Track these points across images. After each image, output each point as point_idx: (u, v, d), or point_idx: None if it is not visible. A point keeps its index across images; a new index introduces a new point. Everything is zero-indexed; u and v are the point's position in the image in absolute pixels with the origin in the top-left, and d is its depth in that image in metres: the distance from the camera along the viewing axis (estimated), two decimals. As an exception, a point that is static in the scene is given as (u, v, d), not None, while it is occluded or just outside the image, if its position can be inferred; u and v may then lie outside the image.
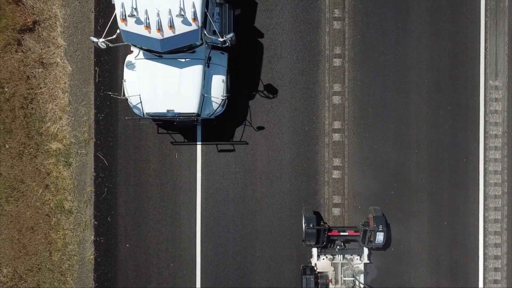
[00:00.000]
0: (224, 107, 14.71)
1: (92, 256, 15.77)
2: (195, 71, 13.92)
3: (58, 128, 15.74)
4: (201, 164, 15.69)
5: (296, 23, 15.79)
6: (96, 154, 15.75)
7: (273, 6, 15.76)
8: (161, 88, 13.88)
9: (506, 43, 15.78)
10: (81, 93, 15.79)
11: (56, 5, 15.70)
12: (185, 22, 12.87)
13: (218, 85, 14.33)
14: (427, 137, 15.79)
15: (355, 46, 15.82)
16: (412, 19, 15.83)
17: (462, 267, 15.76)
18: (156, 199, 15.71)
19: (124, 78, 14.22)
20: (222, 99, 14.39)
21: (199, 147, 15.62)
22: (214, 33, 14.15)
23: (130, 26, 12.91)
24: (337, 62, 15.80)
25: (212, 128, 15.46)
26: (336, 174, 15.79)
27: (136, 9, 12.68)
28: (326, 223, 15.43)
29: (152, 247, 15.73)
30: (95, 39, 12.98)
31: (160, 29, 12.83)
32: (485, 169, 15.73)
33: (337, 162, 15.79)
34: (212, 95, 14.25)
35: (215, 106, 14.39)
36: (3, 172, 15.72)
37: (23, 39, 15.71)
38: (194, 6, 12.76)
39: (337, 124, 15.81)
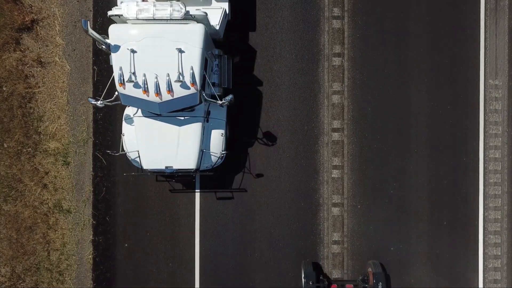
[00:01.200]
0: (223, 159, 14.67)
1: (90, 256, 15.73)
2: (194, 129, 13.89)
3: (56, 128, 15.70)
4: (200, 164, 15.68)
5: (295, 21, 15.75)
6: (94, 153, 15.71)
7: (272, 4, 15.72)
8: (160, 146, 13.83)
9: (506, 42, 15.75)
10: (79, 92, 15.75)
11: (55, 3, 15.66)
12: (184, 86, 12.85)
13: (218, 139, 14.31)
14: (426, 136, 15.75)
15: (354, 45, 15.78)
16: (411, 18, 15.79)
17: (461, 267, 15.73)
18: (155, 199, 15.66)
19: (123, 132, 14.23)
20: (222, 155, 14.39)
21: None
22: (213, 84, 14.22)
23: (128, 90, 12.91)
24: (336, 61, 15.76)
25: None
26: (335, 173, 15.75)
27: (134, 73, 12.68)
28: (325, 278, 15.27)
29: (150, 247, 15.68)
30: (93, 101, 13.05)
31: (158, 93, 12.83)
32: (485, 168, 15.69)
33: (336, 161, 15.75)
34: (211, 150, 14.23)
35: (214, 159, 14.36)
36: (1, 172, 15.68)
37: (21, 38, 15.67)
38: (192, 69, 12.73)
39: (336, 124, 15.77)
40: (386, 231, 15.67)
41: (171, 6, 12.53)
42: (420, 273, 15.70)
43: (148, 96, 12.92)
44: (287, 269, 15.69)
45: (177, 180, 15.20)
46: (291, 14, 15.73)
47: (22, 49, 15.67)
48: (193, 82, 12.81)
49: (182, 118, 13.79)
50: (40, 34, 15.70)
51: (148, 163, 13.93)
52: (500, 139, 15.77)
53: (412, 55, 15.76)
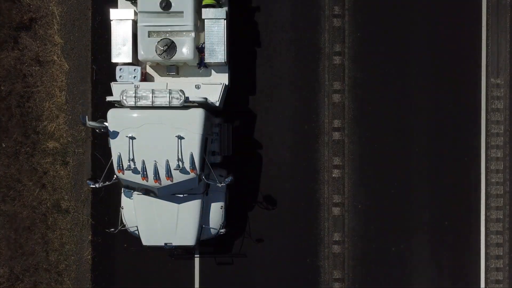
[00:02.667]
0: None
1: (89, 256, 15.68)
2: (193, 206, 13.80)
3: (55, 127, 15.65)
4: (200, 163, 15.59)
5: (295, 20, 15.67)
6: (93, 153, 15.64)
7: (272, 3, 15.64)
8: (159, 222, 13.77)
9: (507, 40, 15.68)
10: (78, 91, 15.69)
11: (53, 2, 15.60)
12: (183, 171, 12.84)
13: (217, 213, 14.21)
14: (427, 135, 15.67)
15: (355, 44, 15.70)
16: (412, 17, 15.72)
17: (463, 267, 15.65)
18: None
19: (122, 205, 14.20)
20: (221, 232, 14.31)
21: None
22: (213, 153, 14.24)
23: (127, 176, 12.96)
24: (337, 59, 15.68)
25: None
26: (336, 173, 15.67)
27: (133, 159, 12.71)
28: None
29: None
30: (92, 184, 13.08)
31: (157, 179, 12.85)
32: (486, 167, 15.62)
33: (337, 161, 15.67)
34: (210, 225, 14.15)
35: (213, 232, 14.30)
36: (-1, 171, 15.69)
37: (20, 37, 15.61)
38: (192, 156, 12.70)
39: (337, 123, 15.70)
40: (387, 231, 15.59)
41: (170, 93, 12.55)
42: (422, 273, 15.62)
43: (147, 181, 12.95)
44: (287, 268, 15.61)
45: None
46: (291, 12, 15.66)
47: (20, 48, 15.61)
48: (193, 168, 12.79)
49: (181, 195, 13.73)
50: (39, 33, 15.64)
51: (147, 240, 13.92)
52: (502, 138, 15.70)
53: (413, 53, 15.69)
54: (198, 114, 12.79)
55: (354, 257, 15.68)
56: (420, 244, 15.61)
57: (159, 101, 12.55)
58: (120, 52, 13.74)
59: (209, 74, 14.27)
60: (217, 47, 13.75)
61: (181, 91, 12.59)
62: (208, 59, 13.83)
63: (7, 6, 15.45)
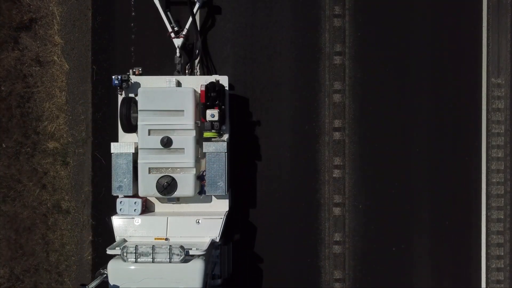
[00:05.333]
0: None
1: (90, 257, 15.67)
2: None
3: (55, 127, 15.65)
4: (200, 163, 15.57)
5: (296, 20, 15.66)
6: (94, 153, 15.64)
7: (273, 3, 15.63)
8: None
9: (508, 40, 15.66)
10: (78, 91, 15.69)
11: (53, 2, 15.60)
12: None
13: None
14: (428, 135, 15.66)
15: (355, 44, 15.69)
16: (413, 16, 15.70)
17: (464, 267, 15.63)
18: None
19: None
20: None
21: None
22: (213, 277, 14.10)
23: None
24: (337, 59, 15.66)
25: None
26: (336, 173, 15.66)
27: None
28: None
29: (150, 247, 15.61)
30: None
31: None
32: (487, 168, 15.60)
33: (337, 161, 15.66)
34: None
35: None
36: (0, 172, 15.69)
37: (20, 37, 15.62)
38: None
39: (337, 123, 15.68)
40: (388, 231, 15.57)
41: (171, 250, 12.48)
42: (422, 273, 15.61)
43: None
44: (288, 269, 15.60)
45: None
46: (291, 12, 15.64)
47: (20, 48, 15.62)
48: None
49: None
50: (39, 33, 15.64)
51: None
52: (503, 138, 15.68)
53: (413, 53, 15.67)
54: (197, 269, 12.63)
55: (355, 257, 15.67)
56: (421, 244, 15.60)
57: (159, 258, 12.51)
58: (121, 185, 13.67)
59: (210, 200, 14.15)
60: (218, 180, 13.70)
61: (181, 247, 12.50)
62: (209, 191, 13.73)
63: (7, 6, 15.45)
